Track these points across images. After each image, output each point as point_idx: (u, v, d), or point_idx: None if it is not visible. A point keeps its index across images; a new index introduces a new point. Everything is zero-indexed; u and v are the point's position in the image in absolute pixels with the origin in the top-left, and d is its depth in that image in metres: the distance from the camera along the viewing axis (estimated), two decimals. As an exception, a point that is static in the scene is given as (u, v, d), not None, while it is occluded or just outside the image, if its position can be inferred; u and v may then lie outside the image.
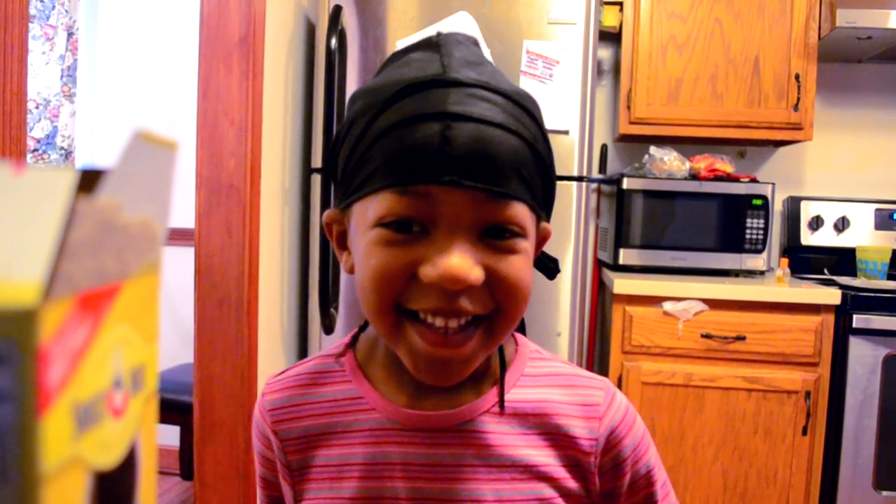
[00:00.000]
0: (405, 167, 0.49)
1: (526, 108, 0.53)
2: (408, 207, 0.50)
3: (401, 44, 1.84)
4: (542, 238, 0.59)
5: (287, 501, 0.65)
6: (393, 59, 0.57)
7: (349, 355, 0.65)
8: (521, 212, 0.52)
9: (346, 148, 0.54)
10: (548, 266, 0.66)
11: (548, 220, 0.60)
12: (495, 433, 0.59)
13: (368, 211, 0.52)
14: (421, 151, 0.48)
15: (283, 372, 0.67)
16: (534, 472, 0.59)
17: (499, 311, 0.52)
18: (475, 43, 0.57)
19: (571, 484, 0.60)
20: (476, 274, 0.49)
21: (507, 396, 0.60)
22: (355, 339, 0.66)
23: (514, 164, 0.50)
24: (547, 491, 0.59)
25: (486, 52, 1.87)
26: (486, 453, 0.58)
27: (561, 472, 0.59)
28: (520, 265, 0.52)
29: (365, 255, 0.52)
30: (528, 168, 0.51)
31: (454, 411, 0.59)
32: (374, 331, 0.65)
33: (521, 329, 0.69)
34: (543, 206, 0.56)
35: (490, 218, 0.50)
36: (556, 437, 0.60)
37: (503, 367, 0.61)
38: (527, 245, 0.53)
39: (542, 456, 0.59)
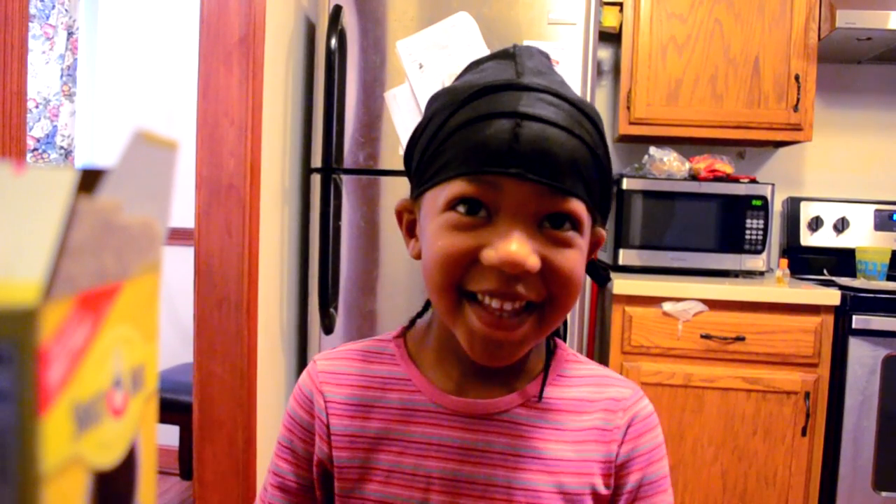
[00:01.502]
0: (478, 158, 0.54)
1: (588, 115, 0.57)
2: (477, 192, 0.54)
3: (401, 45, 1.84)
4: (596, 240, 0.63)
5: (302, 473, 0.68)
6: (470, 67, 0.63)
7: (401, 340, 0.69)
8: (577, 207, 0.55)
9: (422, 143, 0.60)
10: (599, 272, 0.71)
11: (603, 225, 0.64)
12: (528, 426, 0.63)
13: (440, 197, 0.57)
14: (493, 145, 0.53)
15: (338, 347, 0.72)
16: (560, 467, 0.62)
17: (551, 301, 0.56)
18: (547, 56, 0.62)
19: (598, 482, 0.63)
20: (533, 261, 0.53)
21: (547, 391, 0.64)
22: (411, 324, 0.70)
23: (574, 163, 0.54)
24: (572, 486, 0.62)
25: (486, 53, 1.87)
26: (517, 444, 0.62)
27: (588, 468, 0.63)
28: (574, 258, 0.56)
29: (433, 237, 0.57)
30: (587, 169, 0.55)
31: (492, 401, 0.63)
32: (426, 319, 0.69)
33: (563, 332, 0.73)
34: (600, 209, 0.60)
35: (551, 209, 0.55)
36: (588, 434, 0.64)
37: (547, 362, 0.66)
38: (581, 242, 0.57)
39: (572, 452, 0.63)
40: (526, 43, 1.82)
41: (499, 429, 0.63)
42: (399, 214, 0.66)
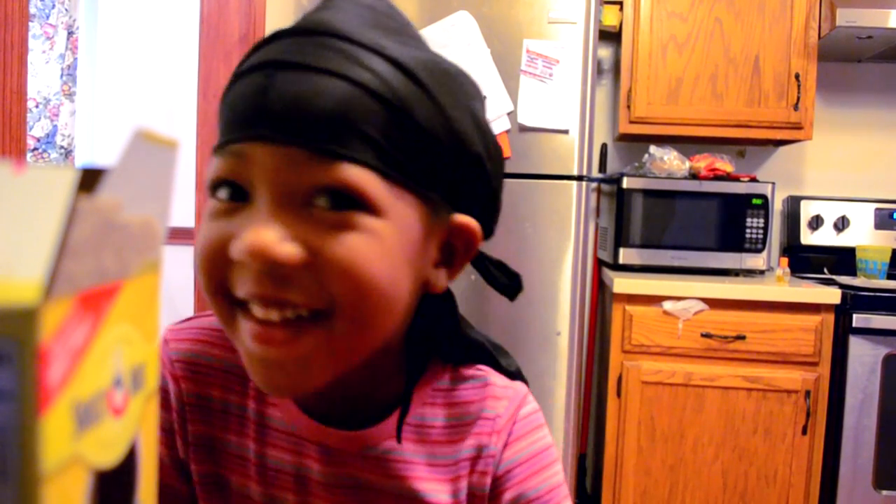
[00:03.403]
0: (227, 125, 0.42)
1: (402, 64, 0.43)
2: (224, 170, 0.42)
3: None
4: (459, 233, 0.48)
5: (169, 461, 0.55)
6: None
7: None
8: (358, 176, 0.41)
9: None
10: (503, 282, 0.54)
11: (492, 225, 0.51)
12: (398, 462, 0.52)
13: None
14: (239, 107, 0.42)
15: (186, 321, 0.58)
16: None
17: (338, 311, 0.42)
18: (388, 10, 0.47)
19: None
20: (287, 250, 0.40)
21: (413, 418, 0.53)
22: None
23: (348, 119, 0.40)
24: None
25: (487, 54, 1.88)
26: (388, 483, 0.52)
27: None
28: (358, 246, 0.41)
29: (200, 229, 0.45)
30: (378, 127, 0.41)
31: (357, 434, 0.51)
32: None
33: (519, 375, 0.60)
34: (443, 190, 0.46)
35: (315, 181, 0.41)
36: (461, 466, 0.53)
37: (410, 381, 0.53)
38: (376, 225, 0.42)
39: (447, 490, 0.52)
40: (526, 42, 1.82)
41: (364, 464, 0.52)
42: None
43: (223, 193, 0.43)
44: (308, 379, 0.44)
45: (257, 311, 0.41)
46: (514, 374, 0.59)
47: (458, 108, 0.45)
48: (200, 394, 0.54)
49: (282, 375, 0.43)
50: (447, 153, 0.44)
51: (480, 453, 0.53)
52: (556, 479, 0.54)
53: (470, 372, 0.56)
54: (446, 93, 0.45)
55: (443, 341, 0.56)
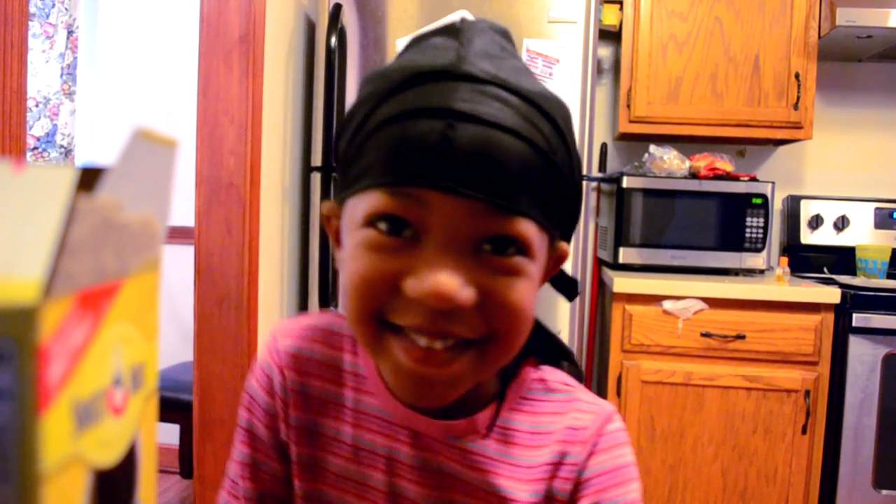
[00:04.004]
0: (400, 166, 0.44)
1: (546, 112, 0.46)
2: (398, 208, 0.45)
3: (401, 42, 1.84)
4: (557, 258, 0.54)
5: (273, 462, 0.61)
6: (413, 42, 0.52)
7: None
8: (527, 229, 0.46)
9: (345, 137, 0.50)
10: (566, 286, 0.61)
11: (568, 239, 0.55)
12: (481, 456, 0.56)
13: (359, 208, 0.47)
14: (418, 150, 0.43)
15: (296, 320, 0.63)
16: None
17: (493, 338, 0.47)
18: (504, 34, 0.52)
19: None
20: (466, 295, 0.44)
21: (500, 421, 0.57)
22: None
23: (523, 176, 0.44)
24: None
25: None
26: (469, 473, 0.56)
27: None
28: (521, 289, 0.46)
29: (351, 257, 0.47)
30: (540, 181, 0.46)
31: (446, 423, 0.56)
32: None
33: (554, 343, 0.64)
34: (560, 223, 0.51)
35: (491, 231, 0.45)
36: (540, 470, 0.56)
37: (503, 385, 0.58)
38: (531, 268, 0.47)
39: (524, 490, 0.56)
40: (526, 41, 1.82)
41: (450, 453, 0.56)
42: (327, 220, 0.55)
43: (384, 226, 0.45)
44: (454, 394, 0.49)
45: (421, 340, 0.46)
46: (576, 368, 0.64)
47: (574, 145, 0.50)
48: (302, 383, 0.59)
49: (432, 391, 0.48)
50: (571, 192, 0.50)
51: (563, 460, 0.56)
52: (634, 495, 0.56)
53: (558, 385, 0.60)
54: (570, 131, 0.49)
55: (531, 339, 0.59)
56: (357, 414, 0.58)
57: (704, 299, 2.02)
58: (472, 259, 0.45)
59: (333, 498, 0.58)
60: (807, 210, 2.50)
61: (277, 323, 0.64)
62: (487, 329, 0.46)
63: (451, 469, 0.56)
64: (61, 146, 2.88)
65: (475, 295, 0.45)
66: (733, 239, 2.22)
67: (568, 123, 0.49)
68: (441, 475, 0.56)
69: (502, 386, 0.59)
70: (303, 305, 2.06)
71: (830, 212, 2.48)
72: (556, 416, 0.58)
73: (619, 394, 2.06)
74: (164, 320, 2.47)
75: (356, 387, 0.58)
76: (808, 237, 2.49)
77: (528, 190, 0.45)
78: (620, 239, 2.24)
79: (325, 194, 1.83)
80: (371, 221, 0.46)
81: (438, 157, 0.43)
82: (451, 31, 0.50)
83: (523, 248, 0.46)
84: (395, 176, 0.44)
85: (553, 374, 0.61)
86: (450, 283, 0.43)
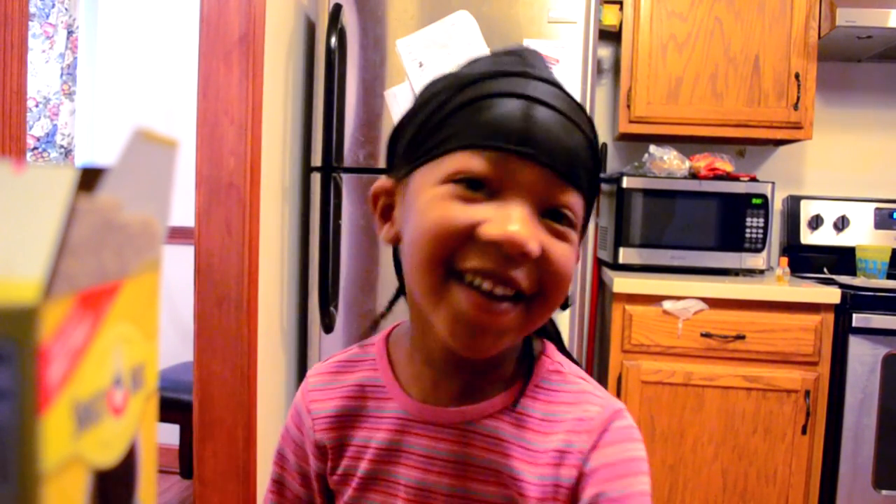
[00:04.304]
0: (487, 132, 0.52)
1: (588, 116, 0.56)
2: (483, 167, 0.52)
3: (401, 43, 1.84)
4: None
5: (296, 484, 0.69)
6: (471, 61, 0.60)
7: (381, 345, 0.67)
8: (577, 202, 0.54)
9: (416, 122, 0.57)
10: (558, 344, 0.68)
11: (583, 237, 0.62)
12: (490, 437, 0.60)
13: (438, 170, 0.54)
14: (505, 123, 0.52)
15: (327, 359, 0.71)
16: (521, 488, 0.58)
17: (540, 294, 0.54)
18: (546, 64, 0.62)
19: None
20: (534, 246, 0.51)
21: (515, 406, 0.61)
22: (374, 326, 0.70)
23: (578, 157, 0.53)
24: None
25: (487, 52, 1.87)
26: (481, 455, 0.60)
27: (546, 493, 0.58)
28: (569, 253, 0.54)
29: (426, 208, 0.53)
30: (587, 165, 0.54)
31: (460, 409, 0.61)
32: (407, 325, 0.67)
33: (559, 337, 0.70)
34: (586, 215, 0.58)
35: (553, 199, 0.53)
36: (549, 456, 0.59)
37: (529, 370, 0.63)
38: (575, 239, 0.55)
39: (533, 473, 0.59)
40: (525, 41, 1.82)
41: (466, 439, 0.60)
42: (375, 197, 0.61)
43: (464, 184, 0.52)
44: (499, 345, 0.55)
45: (485, 284, 0.51)
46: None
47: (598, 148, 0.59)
48: (330, 408, 0.66)
49: (482, 339, 0.53)
50: (597, 189, 0.60)
51: (569, 449, 0.59)
52: (641, 487, 0.58)
53: (573, 378, 0.64)
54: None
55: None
56: (378, 419, 0.64)
57: (704, 299, 2.02)
58: (537, 221, 0.53)
59: (357, 500, 0.64)
60: (807, 210, 2.50)
61: (313, 367, 0.72)
62: (538, 286, 0.53)
63: (468, 455, 0.60)
64: (61, 146, 2.88)
65: (539, 250, 0.51)
66: (733, 239, 2.22)
67: (597, 133, 0.58)
68: (457, 463, 0.60)
69: (517, 371, 0.63)
70: (303, 305, 2.06)
71: (830, 212, 2.48)
72: (567, 406, 0.61)
73: (619, 394, 2.06)
74: (164, 320, 2.47)
75: (376, 396, 0.65)
76: (808, 237, 2.49)
77: (582, 170, 0.54)
78: (620, 239, 2.24)
79: (325, 194, 1.83)
80: (452, 179, 0.53)
81: (521, 129, 0.51)
82: (509, 52, 0.59)
83: (572, 221, 0.54)
84: (484, 140, 0.52)
85: (569, 367, 0.65)
86: (524, 231, 0.50)
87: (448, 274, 0.53)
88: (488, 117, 0.52)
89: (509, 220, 0.50)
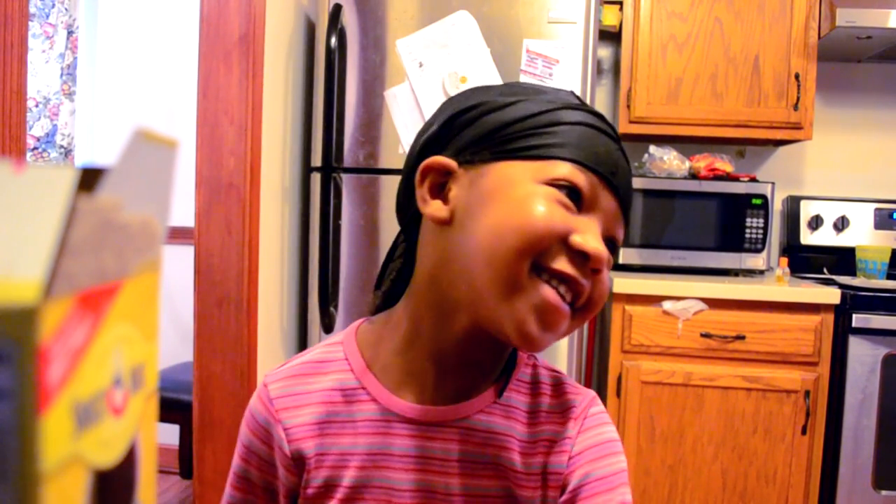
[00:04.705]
0: (595, 156, 0.57)
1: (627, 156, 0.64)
2: (587, 184, 0.57)
3: (401, 43, 1.84)
4: None
5: (278, 495, 0.65)
6: (535, 86, 0.64)
7: (353, 344, 0.66)
8: (622, 239, 0.61)
9: (506, 115, 0.59)
10: None
11: None
12: (485, 432, 0.62)
13: (540, 170, 0.57)
14: (605, 153, 0.58)
15: (283, 364, 0.68)
16: (514, 477, 0.61)
17: (585, 307, 0.58)
18: None
19: (549, 493, 0.62)
20: (605, 264, 0.57)
21: (503, 399, 0.63)
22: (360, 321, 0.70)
23: (632, 200, 0.62)
24: (524, 495, 0.62)
25: (487, 54, 1.88)
26: (474, 450, 0.61)
27: (537, 481, 0.62)
28: (609, 278, 0.61)
29: (527, 201, 0.56)
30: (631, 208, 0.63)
31: (450, 407, 0.62)
32: (382, 318, 0.67)
33: None
34: None
35: (613, 230, 0.59)
36: (539, 445, 0.63)
37: (511, 363, 0.66)
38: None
39: (523, 460, 0.62)
40: (525, 41, 1.82)
41: (456, 436, 0.61)
42: (426, 170, 0.60)
43: (566, 192, 0.56)
44: (547, 343, 0.57)
45: (561, 288, 0.56)
46: None
47: None
48: (302, 418, 0.64)
49: (548, 336, 0.56)
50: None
51: (558, 437, 0.63)
52: (620, 465, 0.63)
53: (547, 371, 0.68)
54: None
55: None
56: (359, 423, 0.62)
57: (704, 300, 2.02)
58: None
59: None
60: (806, 210, 2.50)
61: (267, 372, 0.68)
62: (587, 301, 0.58)
63: (467, 452, 0.61)
64: (61, 146, 2.88)
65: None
66: (733, 239, 2.22)
67: None
68: (457, 461, 0.61)
69: (499, 368, 0.66)
70: (303, 305, 2.06)
71: (830, 212, 2.48)
72: (549, 398, 0.65)
73: (618, 394, 2.06)
74: (163, 320, 2.47)
75: (356, 399, 0.63)
76: (807, 238, 2.49)
77: (630, 209, 0.62)
78: (620, 239, 2.23)
79: (324, 194, 1.83)
80: (555, 184, 0.56)
81: (613, 165, 0.58)
82: (571, 92, 0.64)
83: (616, 251, 0.61)
84: (591, 161, 0.57)
85: (539, 360, 0.69)
86: (605, 251, 0.56)
87: (532, 269, 0.55)
88: (596, 144, 0.58)
89: (596, 238, 0.56)
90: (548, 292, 0.55)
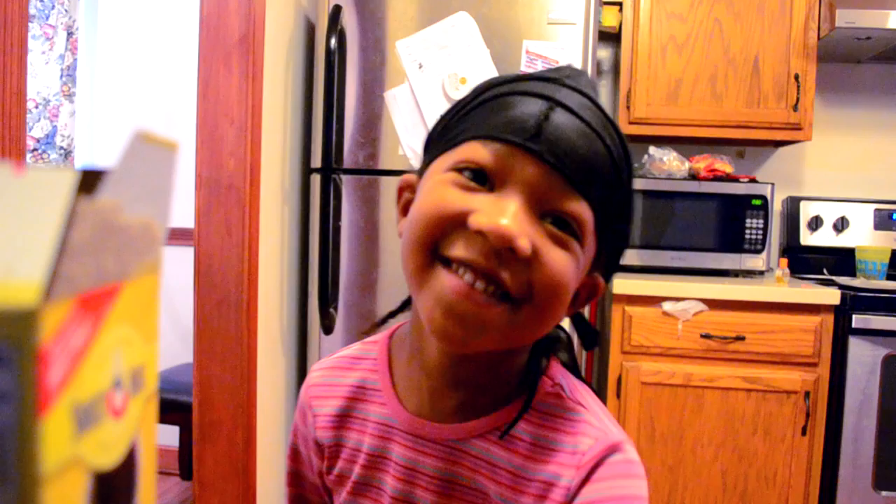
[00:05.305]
0: (501, 126, 0.51)
1: (620, 135, 0.55)
2: (487, 158, 0.51)
3: (401, 45, 1.84)
4: (593, 286, 0.58)
5: (312, 474, 0.70)
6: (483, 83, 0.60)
7: (383, 345, 0.66)
8: (584, 212, 0.51)
9: (444, 119, 0.57)
10: (587, 332, 0.64)
11: (608, 276, 0.59)
12: (478, 459, 0.58)
13: (447, 159, 0.53)
14: (520, 118, 0.50)
15: (332, 354, 0.71)
16: None
17: (529, 298, 0.50)
18: (593, 86, 0.59)
19: None
20: (523, 243, 0.48)
21: (507, 425, 0.58)
22: (382, 322, 0.70)
23: (596, 170, 0.51)
24: None
25: (487, 55, 1.88)
26: (463, 476, 0.59)
27: None
28: (566, 262, 0.51)
29: (428, 193, 0.52)
30: (605, 180, 0.52)
31: (446, 426, 0.59)
32: (408, 327, 0.64)
33: (573, 355, 0.66)
34: (608, 242, 0.56)
35: (556, 203, 0.51)
36: (535, 486, 0.56)
37: (531, 393, 0.58)
38: (578, 251, 0.52)
39: (515, 498, 0.56)
40: (525, 43, 1.83)
41: (447, 455, 0.58)
42: (400, 191, 0.61)
43: (467, 173, 0.51)
44: (478, 341, 0.51)
45: (468, 276, 0.49)
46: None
47: (631, 171, 0.57)
48: (329, 407, 0.65)
49: (460, 327, 0.50)
50: (626, 214, 0.57)
51: (556, 482, 0.55)
52: None
53: (571, 404, 0.59)
54: (632, 165, 0.57)
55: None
56: (368, 423, 0.63)
57: (704, 300, 2.02)
58: (535, 221, 0.50)
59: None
60: (806, 211, 2.50)
61: (317, 362, 0.71)
62: (527, 290, 0.50)
63: (454, 473, 0.59)
64: (61, 148, 2.88)
65: (529, 249, 0.49)
66: (733, 240, 2.22)
67: (631, 157, 0.56)
68: (443, 481, 0.59)
69: (516, 391, 0.60)
70: (302, 307, 2.06)
71: (830, 213, 2.48)
72: (560, 434, 0.57)
73: (618, 395, 2.06)
74: (163, 322, 2.47)
75: (370, 399, 0.64)
76: (807, 238, 2.49)
77: (596, 182, 0.51)
78: (620, 240, 2.23)
79: (324, 195, 1.83)
80: (457, 167, 0.52)
81: (536, 127, 0.50)
82: (559, 68, 0.58)
83: (577, 232, 0.51)
84: (495, 132, 0.51)
85: (571, 391, 0.60)
86: (513, 226, 0.48)
87: (434, 258, 0.51)
88: (507, 113, 0.51)
89: (501, 213, 0.48)
90: (445, 278, 0.50)
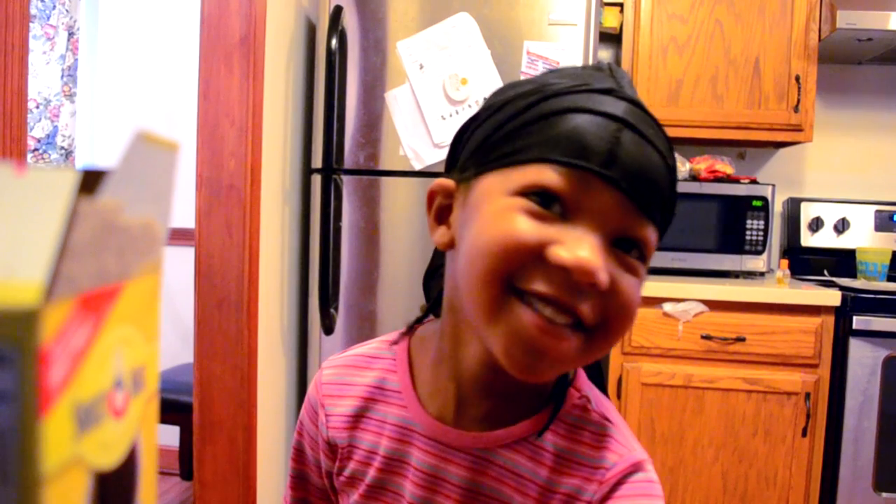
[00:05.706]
0: (570, 148, 0.48)
1: (671, 146, 0.53)
2: (561, 184, 0.48)
3: (402, 45, 1.84)
4: None
5: (316, 475, 0.68)
6: (553, 70, 0.57)
7: (403, 345, 0.65)
8: (651, 237, 0.51)
9: (491, 124, 0.53)
10: (597, 373, 0.64)
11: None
12: (503, 469, 0.57)
13: (511, 179, 0.50)
14: (593, 141, 0.48)
15: (344, 352, 0.69)
16: None
17: (603, 327, 0.50)
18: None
19: None
20: (604, 276, 0.47)
21: (534, 436, 0.58)
22: (409, 329, 0.66)
23: (661, 192, 0.50)
24: None
25: (488, 56, 1.89)
26: (487, 486, 0.58)
27: None
28: (636, 288, 0.51)
29: (494, 218, 0.49)
30: (667, 202, 0.51)
31: (472, 434, 0.58)
32: (431, 327, 0.64)
33: (599, 375, 0.66)
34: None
35: (628, 231, 0.49)
36: (556, 497, 0.57)
37: (558, 403, 0.58)
38: (643, 274, 0.52)
39: None
40: (526, 43, 1.83)
41: (472, 464, 0.58)
42: (431, 196, 0.57)
43: (536, 198, 0.49)
44: (554, 371, 0.52)
45: (546, 311, 0.48)
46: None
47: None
48: (343, 407, 0.64)
49: (539, 362, 0.49)
50: (671, 219, 0.55)
51: (579, 496, 0.56)
52: None
53: (597, 418, 0.59)
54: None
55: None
56: (386, 426, 0.62)
57: (705, 302, 2.02)
58: (609, 250, 0.49)
59: None
60: (807, 212, 2.50)
61: (327, 359, 0.70)
62: (601, 318, 0.49)
63: (479, 483, 0.58)
64: (62, 148, 2.88)
65: (608, 283, 0.48)
66: (733, 241, 2.22)
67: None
68: (467, 490, 0.58)
69: (543, 401, 0.59)
70: (303, 307, 2.06)
71: (831, 214, 2.48)
72: (584, 448, 0.57)
73: (619, 396, 2.06)
74: (164, 322, 2.47)
75: (392, 402, 0.62)
76: (808, 240, 2.49)
77: (661, 205, 0.50)
78: (621, 241, 2.23)
79: (325, 196, 1.83)
80: (525, 192, 0.49)
81: (607, 151, 0.48)
82: (597, 67, 0.55)
83: (644, 254, 0.51)
84: (565, 155, 0.48)
85: (597, 404, 0.60)
86: (596, 260, 0.47)
87: (508, 291, 0.49)
88: (573, 132, 0.48)
89: (581, 246, 0.47)
90: (525, 316, 0.48)
